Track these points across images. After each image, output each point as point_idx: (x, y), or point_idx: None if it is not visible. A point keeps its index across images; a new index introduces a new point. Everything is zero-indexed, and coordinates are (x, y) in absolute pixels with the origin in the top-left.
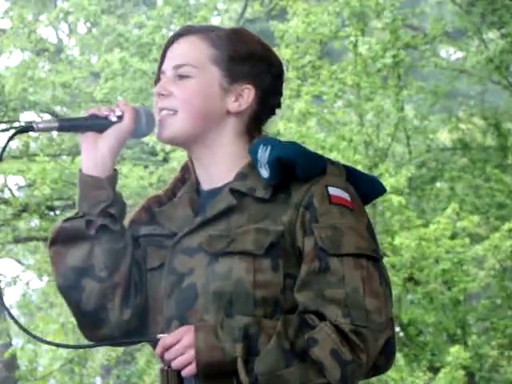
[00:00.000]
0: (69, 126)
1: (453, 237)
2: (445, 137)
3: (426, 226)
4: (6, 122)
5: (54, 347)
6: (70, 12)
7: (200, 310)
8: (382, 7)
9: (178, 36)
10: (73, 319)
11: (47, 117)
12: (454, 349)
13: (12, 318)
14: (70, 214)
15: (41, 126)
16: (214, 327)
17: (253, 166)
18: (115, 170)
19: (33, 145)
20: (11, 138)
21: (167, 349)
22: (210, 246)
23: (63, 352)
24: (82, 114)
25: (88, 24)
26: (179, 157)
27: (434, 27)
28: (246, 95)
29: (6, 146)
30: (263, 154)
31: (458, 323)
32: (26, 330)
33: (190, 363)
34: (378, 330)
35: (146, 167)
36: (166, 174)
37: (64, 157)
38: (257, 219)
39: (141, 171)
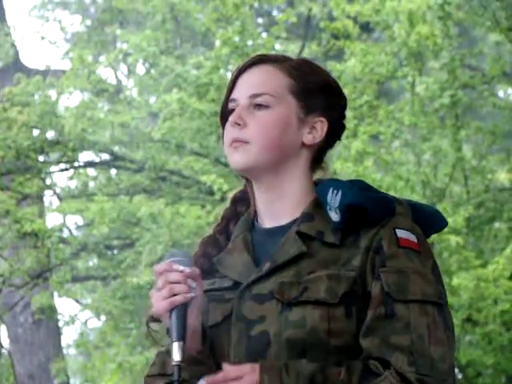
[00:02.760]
0: None
1: None
2: (503, 177)
3: (484, 266)
4: (65, 162)
5: None
6: (129, 53)
7: (272, 358)
8: (440, 47)
9: (251, 65)
10: (130, 359)
11: (105, 156)
12: None
13: None
14: (127, 253)
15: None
16: (280, 370)
17: (317, 205)
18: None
19: (91, 184)
20: None
21: (227, 380)
22: (281, 295)
23: None
24: (140, 154)
25: (147, 65)
26: None
27: (492, 67)
28: (320, 128)
29: None
30: (333, 197)
31: None
32: None
33: None
34: (441, 379)
35: (203, 207)
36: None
37: (122, 196)
38: (327, 264)
39: (198, 210)
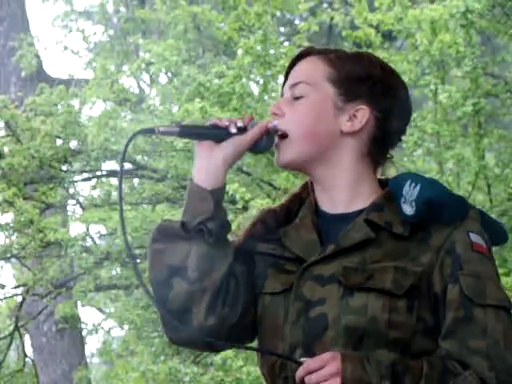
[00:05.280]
0: (188, 132)
1: None
2: None
3: (507, 275)
4: (88, 172)
5: None
6: (151, 62)
7: (328, 341)
8: (463, 55)
9: (299, 58)
10: (153, 367)
11: (128, 165)
12: None
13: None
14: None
15: (162, 129)
16: (361, 359)
17: (388, 197)
18: (225, 184)
19: (114, 193)
20: (131, 139)
21: (310, 373)
22: (345, 279)
23: None
24: (163, 164)
25: (169, 74)
26: (259, 205)
27: None
28: (360, 116)
29: (127, 147)
30: (411, 190)
31: None
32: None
33: None
34: None
35: None
36: (245, 222)
37: (145, 205)
38: (394, 256)
39: None
